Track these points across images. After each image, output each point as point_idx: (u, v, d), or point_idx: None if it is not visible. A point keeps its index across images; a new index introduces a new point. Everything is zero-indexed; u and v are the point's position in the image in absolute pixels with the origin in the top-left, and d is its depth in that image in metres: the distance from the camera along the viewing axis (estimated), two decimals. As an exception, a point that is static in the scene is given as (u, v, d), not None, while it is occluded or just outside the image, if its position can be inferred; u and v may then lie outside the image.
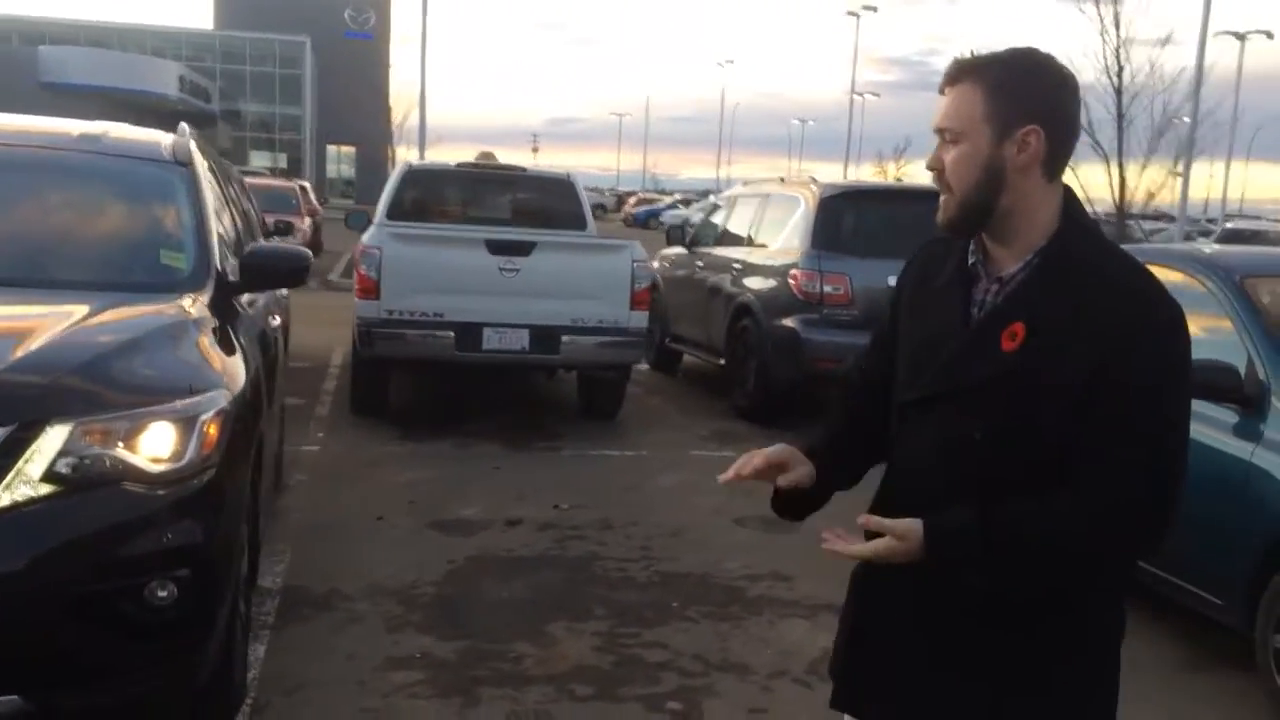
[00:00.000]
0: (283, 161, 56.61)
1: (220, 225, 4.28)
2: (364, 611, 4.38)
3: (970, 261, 1.77)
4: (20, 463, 2.48)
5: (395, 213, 8.85)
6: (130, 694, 2.69)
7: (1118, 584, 1.76)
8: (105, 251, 3.77)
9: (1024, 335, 1.65)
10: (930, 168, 1.75)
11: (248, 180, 20.85)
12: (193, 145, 4.44)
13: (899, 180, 44.22)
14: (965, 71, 1.69)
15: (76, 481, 2.56)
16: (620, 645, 4.21)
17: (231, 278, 3.87)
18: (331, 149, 64.59)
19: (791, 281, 8.45)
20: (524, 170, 9.81)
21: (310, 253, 4.23)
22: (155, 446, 2.72)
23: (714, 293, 9.72)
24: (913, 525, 1.65)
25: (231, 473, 2.98)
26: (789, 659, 4.17)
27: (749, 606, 4.73)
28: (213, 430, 2.88)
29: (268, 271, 3.96)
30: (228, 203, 4.76)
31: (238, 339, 3.65)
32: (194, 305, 3.46)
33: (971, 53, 1.71)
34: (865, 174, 58.00)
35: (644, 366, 11.04)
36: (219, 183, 5.24)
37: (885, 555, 1.67)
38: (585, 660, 4.05)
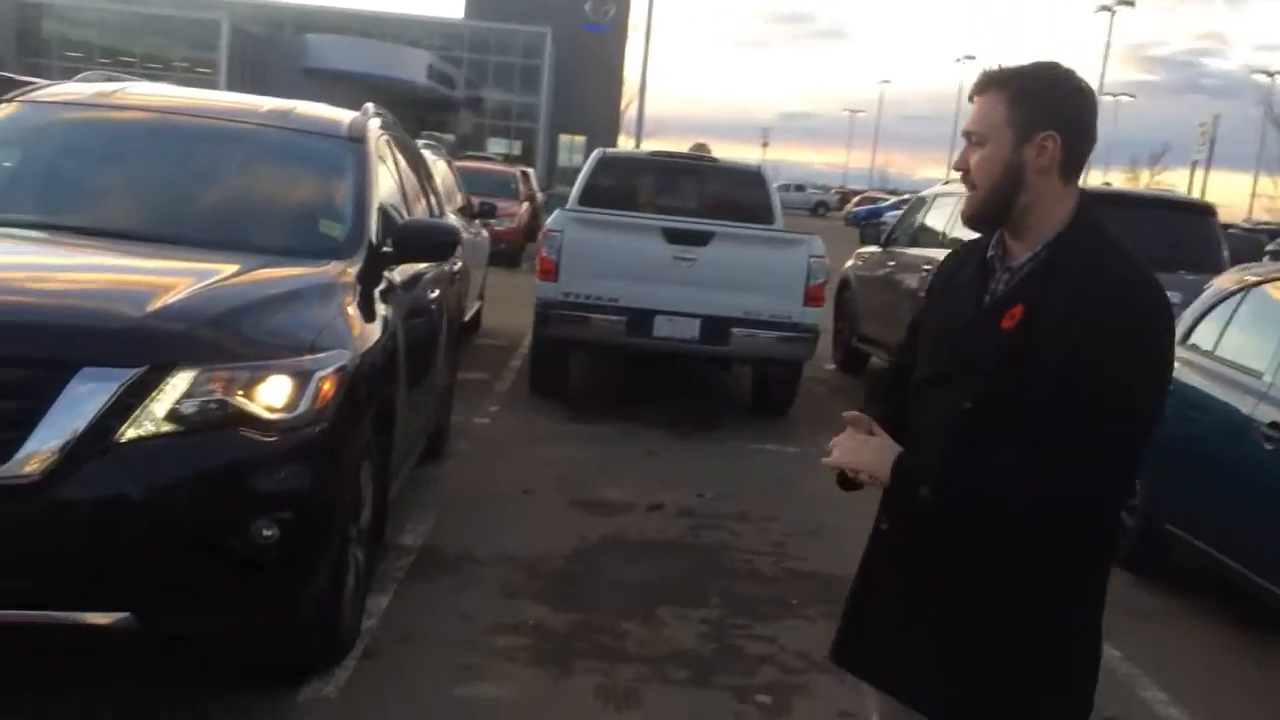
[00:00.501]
0: (517, 148, 58.74)
1: (386, 200, 4.57)
2: (488, 576, 4.58)
3: (989, 255, 1.96)
4: (148, 402, 2.75)
5: (587, 199, 9.09)
6: (232, 623, 2.94)
7: (1066, 574, 1.86)
8: (269, 217, 4.10)
9: (1021, 316, 1.83)
10: (957, 168, 1.95)
11: (474, 165, 21.74)
12: (371, 124, 4.75)
13: (1153, 188, 41.68)
14: (992, 82, 1.89)
15: (196, 423, 2.82)
16: (726, 635, 4.24)
17: (385, 249, 4.12)
18: (564, 138, 66.62)
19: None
20: (715, 161, 9.88)
21: (458, 228, 4.45)
22: (271, 396, 2.96)
23: (905, 293, 9.51)
24: (889, 446, 1.89)
25: (345, 428, 3.19)
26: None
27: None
28: (328, 386, 3.10)
29: (416, 244, 4.19)
30: (403, 180, 5.05)
31: (379, 306, 3.89)
32: (339, 271, 3.71)
33: (999, 66, 1.91)
34: (1116, 180, 54.99)
35: (830, 366, 10.96)
36: (405, 161, 5.59)
37: (857, 464, 1.90)
38: (687, 645, 4.10)
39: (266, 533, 2.91)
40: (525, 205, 21.29)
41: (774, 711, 3.66)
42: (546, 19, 60.37)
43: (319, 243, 3.92)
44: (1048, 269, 1.86)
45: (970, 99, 1.92)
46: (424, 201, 5.67)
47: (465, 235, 9.11)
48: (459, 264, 6.19)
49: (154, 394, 2.77)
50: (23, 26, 43.59)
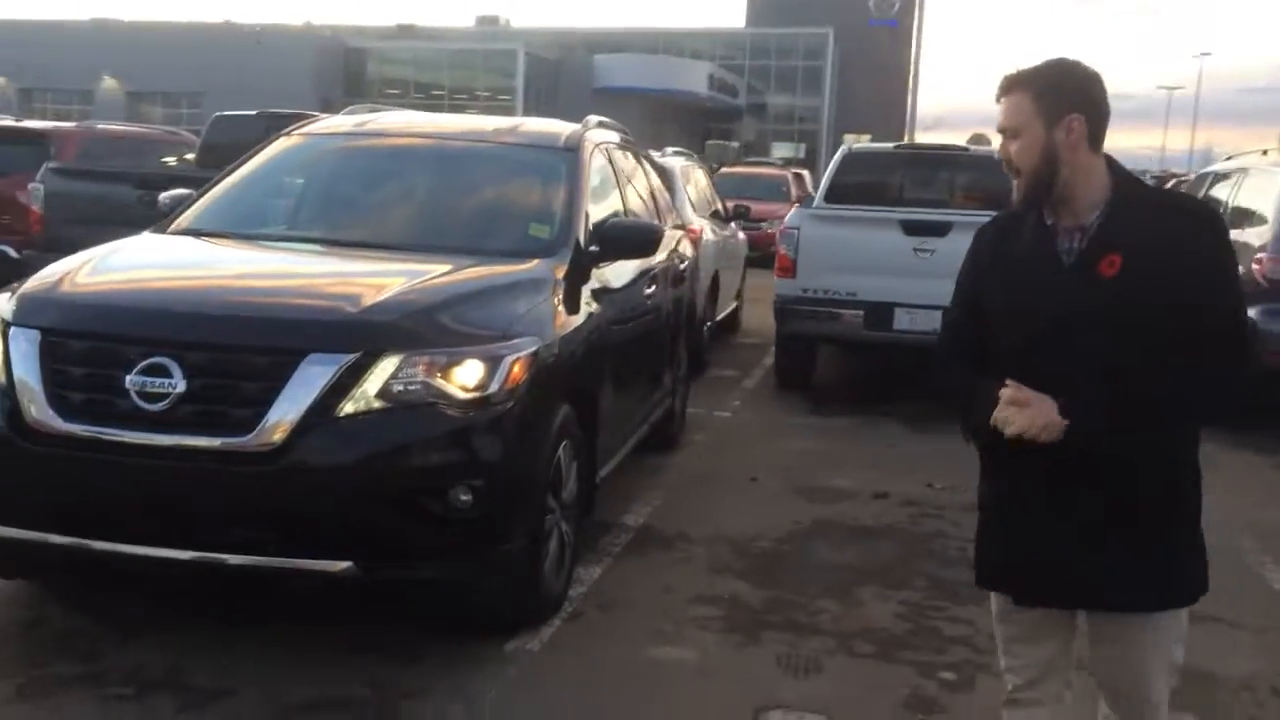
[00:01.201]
0: (802, 152, 58.82)
1: (599, 203, 4.95)
2: (697, 554, 4.85)
3: (1048, 222, 2.32)
4: (362, 382, 3.23)
5: (833, 195, 9.17)
6: (434, 573, 3.38)
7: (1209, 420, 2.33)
8: (484, 223, 4.56)
9: (1120, 262, 2.21)
10: (999, 157, 2.37)
11: (748, 170, 22.09)
12: (589, 135, 5.15)
13: None
14: (1014, 83, 2.28)
15: (402, 400, 3.27)
16: (923, 616, 4.29)
17: (591, 248, 4.49)
18: (849, 138, 65.99)
19: (1256, 266, 7.64)
20: (964, 150, 9.69)
21: (659, 227, 4.76)
22: (466, 378, 3.37)
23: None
24: (1048, 401, 2.19)
25: (535, 407, 3.56)
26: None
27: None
28: (518, 369, 3.47)
29: (618, 243, 4.53)
30: (623, 185, 5.41)
31: (583, 300, 4.25)
32: (542, 269, 4.11)
33: (1016, 69, 2.29)
34: None
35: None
36: (630, 168, 5.97)
37: (1035, 425, 2.19)
38: (880, 623, 4.19)
39: (463, 497, 3.31)
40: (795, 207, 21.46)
41: (954, 687, 3.71)
42: (828, 20, 60.13)
43: (528, 244, 4.33)
44: (1124, 219, 2.24)
45: (996, 100, 2.30)
46: (648, 205, 6.03)
47: (710, 237, 9.49)
48: (685, 263, 6.51)
49: (367, 375, 3.23)
50: (349, 70, 48.37)
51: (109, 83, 46.81)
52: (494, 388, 3.40)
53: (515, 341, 3.53)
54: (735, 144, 53.21)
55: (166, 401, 3.18)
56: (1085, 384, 2.20)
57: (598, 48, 57.08)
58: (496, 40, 53.44)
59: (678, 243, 6.47)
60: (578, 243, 4.43)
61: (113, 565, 3.29)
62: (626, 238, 4.53)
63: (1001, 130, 2.30)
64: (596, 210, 4.84)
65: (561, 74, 52.35)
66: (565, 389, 3.95)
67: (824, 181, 9.53)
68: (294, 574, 3.22)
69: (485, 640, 3.76)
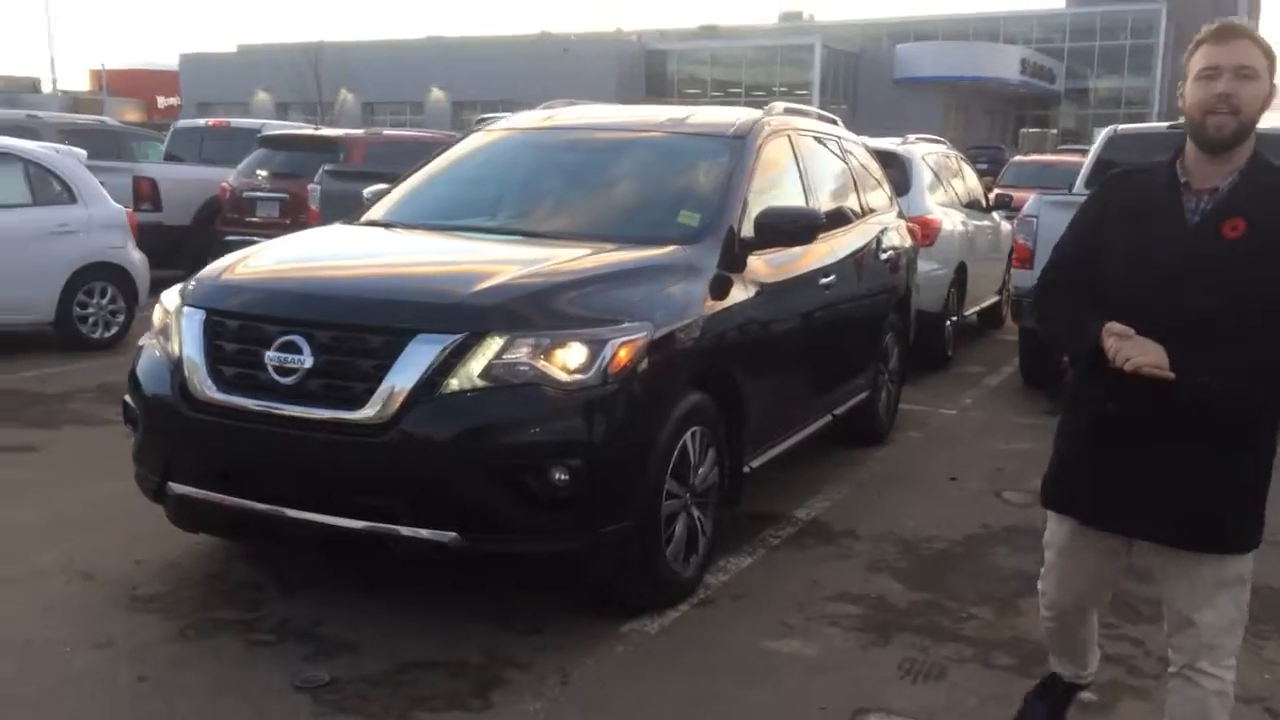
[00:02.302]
0: (1127, 137, 54.54)
1: (774, 191, 4.89)
2: (860, 551, 4.68)
3: (1182, 180, 2.47)
4: (466, 361, 3.37)
5: (1095, 178, 8.55)
6: (536, 548, 3.48)
7: None
8: (636, 212, 4.60)
9: (1244, 227, 2.37)
10: (1222, 95, 2.36)
11: (1049, 158, 20.87)
12: (766, 122, 5.09)
13: None
14: (1242, 32, 2.39)
15: (504, 380, 3.39)
16: (1085, 631, 3.94)
17: (745, 234, 4.44)
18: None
19: None
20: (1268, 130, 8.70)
21: (817, 214, 4.62)
22: (568, 361, 3.44)
23: None
24: (1158, 345, 2.35)
25: (644, 391, 3.58)
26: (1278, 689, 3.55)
27: (1292, 629, 4.03)
28: (624, 354, 3.51)
29: (774, 230, 4.44)
30: (807, 174, 5.31)
31: (732, 288, 4.22)
32: (678, 256, 4.12)
33: (1233, 19, 2.48)
34: None
35: None
36: (829, 157, 5.84)
37: (1151, 362, 2.34)
38: (1032, 635, 3.88)
39: (561, 476, 3.40)
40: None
41: (1091, 710, 3.40)
42: (1163, -7, 55.52)
43: (673, 231, 4.34)
44: (1255, 188, 2.41)
45: (1223, 42, 2.37)
46: (841, 193, 5.88)
47: (953, 227, 9.07)
48: (891, 253, 6.28)
49: (471, 355, 3.38)
50: (651, 70, 49.83)
51: (436, 94, 50.77)
52: (595, 371, 3.45)
53: (624, 326, 3.57)
54: (1054, 131, 50.29)
55: (296, 375, 3.47)
56: (1190, 340, 2.33)
57: (902, 37, 55.53)
58: (795, 35, 53.21)
59: (882, 232, 6.25)
60: (731, 230, 4.40)
61: (260, 524, 3.61)
62: (781, 225, 4.44)
63: (1238, 68, 2.34)
64: (767, 198, 4.78)
65: (861, 66, 51.42)
66: (695, 375, 3.94)
67: (1086, 165, 8.88)
68: (405, 541, 3.41)
69: (605, 621, 3.83)
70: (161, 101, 59.91)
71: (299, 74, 43.45)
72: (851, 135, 6.65)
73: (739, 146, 4.79)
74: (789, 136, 5.32)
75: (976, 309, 10.33)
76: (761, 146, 4.92)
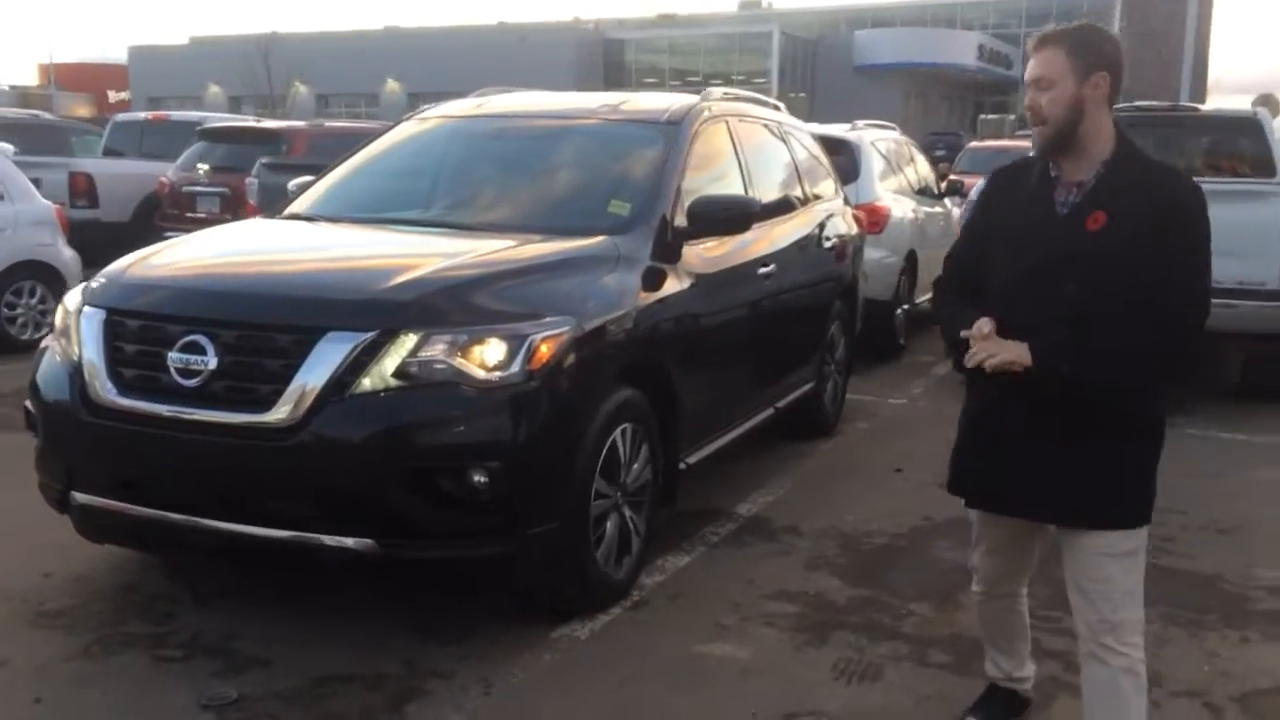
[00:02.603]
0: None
1: (706, 180, 4.77)
2: (800, 548, 4.58)
3: (1053, 174, 2.57)
4: (378, 360, 3.22)
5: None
6: (457, 554, 3.33)
7: (1159, 383, 2.61)
8: (564, 202, 4.46)
9: (1104, 220, 2.47)
10: (1029, 108, 2.53)
11: (1003, 144, 20.83)
12: (701, 108, 4.96)
13: None
14: (1050, 39, 2.50)
15: (419, 379, 3.24)
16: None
17: (678, 224, 4.32)
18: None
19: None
20: (1195, 110, 8.71)
21: (752, 201, 4.50)
22: (485, 358, 3.30)
23: None
24: (1022, 344, 2.48)
25: (567, 388, 3.45)
26: (1220, 682, 3.48)
27: (1238, 620, 3.97)
28: (545, 350, 3.37)
29: (706, 218, 4.31)
30: (746, 161, 5.18)
31: (658, 278, 4.09)
32: (605, 247, 3.98)
33: (1051, 28, 2.53)
34: None
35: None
36: (770, 141, 5.72)
37: (1009, 359, 2.47)
38: (971, 631, 3.79)
39: (479, 478, 3.26)
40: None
41: (1029, 709, 3.31)
42: (1112, -20, 55.85)
43: (602, 221, 4.20)
44: (1116, 181, 2.50)
45: (1028, 55, 2.55)
46: (784, 180, 5.77)
47: (903, 214, 8.99)
48: (836, 241, 6.17)
49: (383, 354, 3.23)
50: (609, 60, 49.55)
51: (391, 85, 50.19)
52: (516, 368, 3.32)
53: (546, 320, 3.43)
54: (1011, 118, 50.50)
55: (200, 377, 3.30)
56: (1056, 327, 2.46)
57: (861, 24, 55.59)
58: (753, 23, 53.05)
59: (826, 220, 6.15)
60: (664, 219, 4.27)
61: (170, 535, 3.45)
62: (713, 213, 4.32)
63: (1035, 81, 2.49)
64: (702, 186, 4.66)
65: (820, 53, 51.38)
66: (625, 370, 3.82)
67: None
68: (318, 549, 3.26)
69: (535, 626, 3.70)
70: (113, 96, 58.88)
71: (250, 66, 42.80)
72: (795, 122, 6.54)
73: (672, 133, 4.66)
74: (727, 123, 5.20)
75: (928, 297, 10.26)
76: (697, 133, 4.79)
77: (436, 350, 3.27)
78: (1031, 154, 2.65)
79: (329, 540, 3.25)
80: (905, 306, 9.17)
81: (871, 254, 8.28)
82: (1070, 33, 2.49)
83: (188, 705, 3.17)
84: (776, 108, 6.27)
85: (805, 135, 6.56)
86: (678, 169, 4.49)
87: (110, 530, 3.62)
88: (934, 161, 29.09)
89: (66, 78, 61.33)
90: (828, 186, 6.63)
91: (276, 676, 3.35)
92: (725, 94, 5.46)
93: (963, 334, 2.55)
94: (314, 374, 3.21)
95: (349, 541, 3.24)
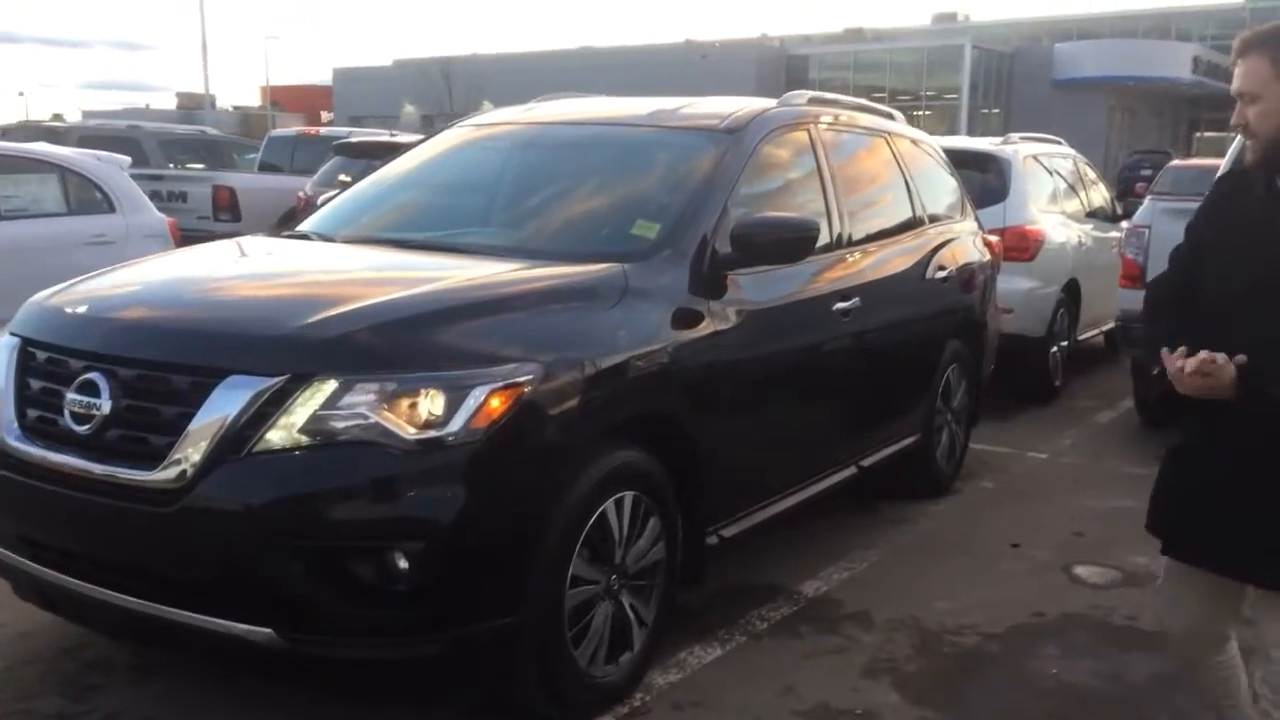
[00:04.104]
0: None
1: (771, 199, 4.03)
2: (864, 644, 3.75)
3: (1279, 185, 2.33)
4: (284, 413, 2.63)
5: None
6: (380, 654, 2.70)
7: None
8: (575, 221, 3.80)
9: None
10: (1235, 124, 2.35)
11: (1206, 162, 19.18)
12: (771, 115, 4.23)
13: None
14: (1251, 45, 2.30)
15: (332, 436, 2.63)
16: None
17: (722, 250, 3.59)
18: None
19: None
20: None
21: (812, 224, 3.68)
22: (418, 412, 2.67)
23: None
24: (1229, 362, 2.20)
25: (530, 451, 2.79)
26: None
27: None
28: (496, 404, 2.72)
29: (754, 243, 3.55)
30: (830, 177, 4.40)
31: (702, 314, 3.39)
32: (608, 276, 3.29)
33: (1252, 31, 2.31)
34: None
35: None
36: (874, 154, 4.94)
37: (1212, 379, 2.20)
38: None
39: (398, 562, 2.63)
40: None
41: None
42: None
43: (621, 245, 3.52)
44: None
45: (1231, 64, 2.34)
46: (900, 202, 4.96)
47: (1061, 238, 7.90)
48: (952, 269, 5.27)
49: (293, 403, 2.64)
50: (791, 76, 48.42)
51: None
52: (455, 425, 2.67)
53: (502, 367, 2.77)
54: (1236, 135, 46.72)
55: (93, 424, 2.80)
56: (1276, 350, 2.20)
57: (1064, 36, 52.62)
58: (945, 36, 50.94)
59: (942, 245, 5.27)
60: (703, 244, 3.56)
61: (68, 603, 2.96)
62: (757, 237, 3.56)
63: (1239, 94, 2.32)
64: (763, 205, 3.93)
65: (1015, 67, 48.78)
66: (623, 428, 3.13)
67: (1222, 167, 7.62)
68: (208, 635, 2.70)
69: (500, 734, 3.05)
70: (325, 115, 61.82)
71: (436, 86, 43.95)
72: (915, 133, 5.68)
73: (729, 142, 3.93)
74: (810, 131, 4.43)
75: (1098, 331, 9.08)
76: (762, 143, 4.04)
77: (358, 401, 2.66)
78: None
79: (221, 626, 2.67)
80: (1063, 344, 8.06)
81: (1020, 284, 7.31)
82: (1272, 37, 2.28)
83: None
84: (889, 116, 5.44)
85: (928, 147, 5.69)
86: (727, 184, 3.76)
87: (22, 589, 3.16)
88: (1134, 182, 26.88)
89: (284, 98, 64.91)
90: (953, 207, 5.74)
91: None
92: (813, 97, 4.69)
93: (1168, 358, 2.27)
94: (209, 426, 2.65)
95: (240, 629, 2.66)
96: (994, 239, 6.24)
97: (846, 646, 3.74)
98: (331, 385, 2.66)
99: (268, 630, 2.65)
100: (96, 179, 8.23)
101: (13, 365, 3.04)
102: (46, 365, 2.97)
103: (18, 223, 7.63)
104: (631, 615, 3.24)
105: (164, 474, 2.66)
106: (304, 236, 4.02)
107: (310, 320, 2.78)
